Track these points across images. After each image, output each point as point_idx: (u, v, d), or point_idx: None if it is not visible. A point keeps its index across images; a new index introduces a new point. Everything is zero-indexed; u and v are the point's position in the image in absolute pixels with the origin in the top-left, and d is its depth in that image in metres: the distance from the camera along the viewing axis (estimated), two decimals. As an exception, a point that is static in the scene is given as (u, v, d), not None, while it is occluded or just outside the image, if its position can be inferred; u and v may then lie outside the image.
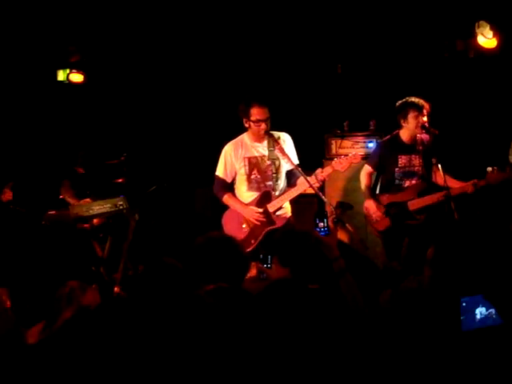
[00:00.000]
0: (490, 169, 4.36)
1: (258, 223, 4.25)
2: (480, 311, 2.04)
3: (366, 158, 5.10)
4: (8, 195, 4.93)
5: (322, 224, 2.61)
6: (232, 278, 2.43)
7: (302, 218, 5.35)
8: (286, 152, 4.26)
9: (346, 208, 5.57)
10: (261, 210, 4.26)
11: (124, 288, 4.93)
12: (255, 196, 4.35)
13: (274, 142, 4.27)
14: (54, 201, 5.31)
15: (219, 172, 4.42)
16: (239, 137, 4.44)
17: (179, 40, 6.36)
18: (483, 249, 2.35)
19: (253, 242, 4.24)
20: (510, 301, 2.08)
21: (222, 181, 4.40)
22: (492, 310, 2.03)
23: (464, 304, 2.04)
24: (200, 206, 7.21)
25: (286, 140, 4.42)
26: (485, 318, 2.02)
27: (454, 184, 4.47)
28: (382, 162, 4.79)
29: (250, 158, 4.35)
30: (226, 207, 4.47)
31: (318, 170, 4.19)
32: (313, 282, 2.35)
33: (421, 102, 4.56)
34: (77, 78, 6.56)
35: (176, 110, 7.18)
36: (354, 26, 5.84)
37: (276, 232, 4.08)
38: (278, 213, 4.32)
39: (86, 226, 5.07)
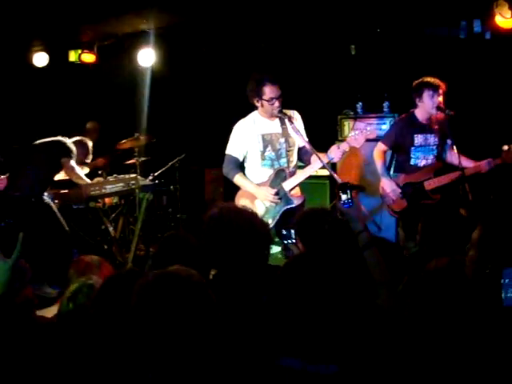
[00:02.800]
0: (505, 147, 4.30)
1: (274, 204, 4.20)
2: None
3: (379, 139, 5.05)
4: (2, 183, 4.88)
5: (345, 196, 2.48)
6: (254, 254, 2.35)
7: (313, 200, 5.34)
8: (299, 129, 4.21)
9: (357, 188, 5.55)
10: (275, 191, 4.16)
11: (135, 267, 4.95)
12: (269, 173, 4.27)
13: (288, 120, 4.20)
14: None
15: (230, 150, 4.30)
16: (250, 114, 4.34)
17: (189, 19, 6.29)
18: None
19: (270, 221, 4.13)
20: None
21: (234, 159, 4.29)
22: None
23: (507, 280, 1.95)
24: (210, 187, 7.23)
25: (297, 118, 4.36)
26: None
27: (469, 164, 4.42)
28: (398, 140, 4.74)
29: (263, 135, 4.26)
30: (237, 188, 4.40)
31: (334, 147, 4.13)
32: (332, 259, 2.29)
33: (436, 81, 4.52)
34: (88, 58, 6.56)
35: (186, 91, 7.17)
36: (368, 6, 5.75)
37: (294, 211, 4.07)
38: (292, 192, 4.27)
39: (98, 205, 5.08)
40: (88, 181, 5.03)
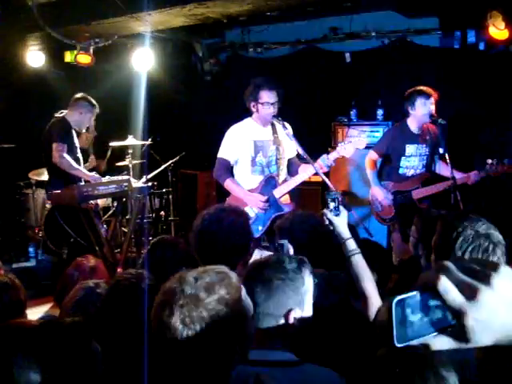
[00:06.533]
0: (489, 161, 4.35)
1: (263, 211, 4.21)
2: None
3: (372, 146, 5.08)
4: None
5: (333, 204, 2.48)
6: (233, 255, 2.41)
7: (305, 207, 5.35)
8: (292, 139, 4.22)
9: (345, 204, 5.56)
10: (265, 198, 4.17)
11: (126, 269, 4.94)
12: (259, 180, 4.28)
13: (282, 126, 4.23)
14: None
15: (222, 154, 4.31)
16: (244, 120, 4.37)
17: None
18: None
19: (260, 228, 4.17)
20: None
21: (226, 163, 4.29)
22: None
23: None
24: (203, 190, 7.23)
25: (289, 128, 4.39)
26: None
27: (457, 175, 4.45)
28: (388, 149, 4.77)
29: (256, 141, 4.29)
30: (229, 192, 4.39)
31: (324, 156, 4.16)
32: (319, 265, 2.31)
33: (429, 90, 4.56)
34: (84, 59, 6.54)
35: (181, 94, 7.18)
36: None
37: (282, 217, 4.10)
38: (282, 199, 4.28)
39: (90, 206, 5.06)
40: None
